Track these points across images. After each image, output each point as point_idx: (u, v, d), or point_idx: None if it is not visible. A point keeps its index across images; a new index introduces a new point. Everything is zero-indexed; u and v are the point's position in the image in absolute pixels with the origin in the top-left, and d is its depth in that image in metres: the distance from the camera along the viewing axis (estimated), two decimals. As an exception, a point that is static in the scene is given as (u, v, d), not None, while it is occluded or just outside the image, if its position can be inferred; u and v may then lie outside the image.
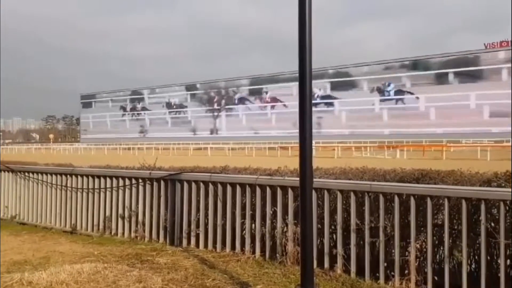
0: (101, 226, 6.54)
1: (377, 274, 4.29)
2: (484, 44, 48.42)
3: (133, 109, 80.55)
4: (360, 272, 4.39)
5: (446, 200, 3.99)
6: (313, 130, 3.32)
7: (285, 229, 4.89)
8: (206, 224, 5.56)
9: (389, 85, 55.57)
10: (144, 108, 79.42)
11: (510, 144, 35.10)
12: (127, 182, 6.32)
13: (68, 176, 7.02)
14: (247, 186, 5.20)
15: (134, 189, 6.26)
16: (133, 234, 6.21)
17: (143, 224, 6.13)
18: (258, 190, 5.11)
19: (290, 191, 4.87)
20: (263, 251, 5.06)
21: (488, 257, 3.87)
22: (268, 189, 5.05)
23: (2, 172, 7.93)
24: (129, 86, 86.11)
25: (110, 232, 6.42)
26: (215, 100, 71.83)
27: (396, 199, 4.23)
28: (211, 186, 5.52)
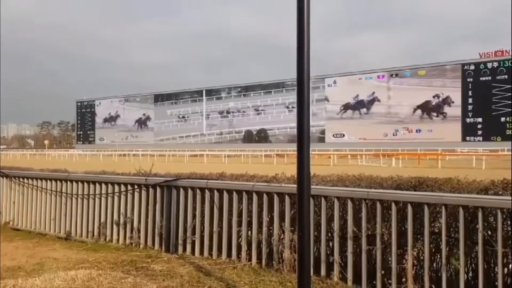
0: (96, 233, 6.48)
1: (374, 282, 4.26)
2: (479, 53, 48.76)
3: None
4: (357, 279, 4.37)
5: (443, 207, 3.98)
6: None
7: (282, 236, 4.86)
8: (202, 231, 5.52)
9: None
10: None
11: (504, 153, 35.30)
12: (123, 188, 6.28)
13: (63, 182, 6.97)
14: (244, 193, 5.18)
15: (129, 195, 6.21)
16: (128, 241, 6.16)
17: (139, 230, 6.08)
18: (255, 197, 5.09)
19: (287, 198, 4.85)
20: (259, 258, 5.02)
21: (486, 266, 3.86)
22: (265, 196, 5.03)
23: (-3, 178, 7.86)
24: (134, 92, 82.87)
25: (105, 239, 6.36)
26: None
27: (393, 206, 4.22)
28: (207, 193, 5.49)
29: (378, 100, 54.38)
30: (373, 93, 54.76)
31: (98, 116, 79.17)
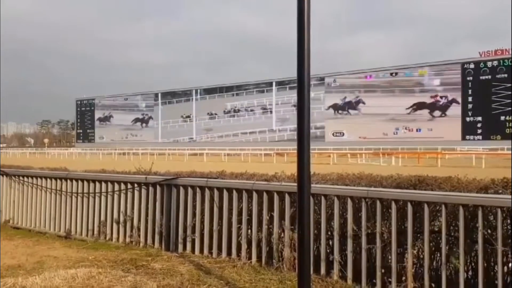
0: (95, 231, 6.48)
1: (374, 281, 4.27)
2: (479, 52, 48.78)
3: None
4: (356, 278, 4.37)
5: (443, 206, 3.98)
6: None
7: (281, 235, 4.86)
8: (202, 230, 5.52)
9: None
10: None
11: (504, 152, 35.32)
12: (123, 186, 6.28)
13: (63, 180, 6.97)
14: (244, 191, 5.18)
15: (129, 194, 6.21)
16: (128, 239, 6.16)
17: (138, 229, 6.08)
18: (255, 195, 5.09)
19: (287, 197, 4.85)
20: (259, 256, 5.03)
21: (485, 264, 3.87)
22: (265, 194, 5.03)
23: (-4, 176, 7.86)
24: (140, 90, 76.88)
25: (105, 237, 6.37)
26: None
27: (393, 205, 4.22)
28: (207, 191, 5.49)
29: (363, 103, 54.42)
30: (357, 96, 54.76)
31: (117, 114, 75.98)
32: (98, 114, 78.93)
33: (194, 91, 68.04)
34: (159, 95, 71.63)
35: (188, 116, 67.80)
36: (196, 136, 66.96)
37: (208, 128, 65.95)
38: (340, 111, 56.24)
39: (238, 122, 63.02)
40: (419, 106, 51.40)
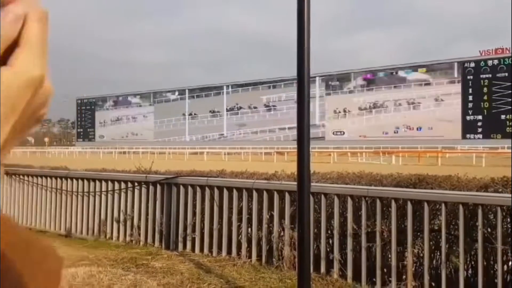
0: (96, 230, 6.49)
1: (374, 279, 4.27)
2: (479, 51, 48.78)
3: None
4: (356, 277, 4.38)
5: (443, 205, 3.99)
6: None
7: (281, 234, 4.87)
8: (202, 228, 5.53)
9: None
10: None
11: (504, 151, 35.31)
12: (123, 185, 6.28)
13: (63, 179, 6.97)
14: (244, 190, 5.19)
15: (129, 193, 6.22)
16: (128, 238, 6.17)
17: (139, 228, 6.09)
18: (255, 194, 5.09)
19: (287, 195, 4.86)
20: (259, 255, 5.03)
21: (485, 263, 3.87)
22: (265, 193, 5.03)
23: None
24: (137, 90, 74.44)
25: (105, 236, 6.37)
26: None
27: (393, 204, 4.22)
28: (207, 190, 5.49)
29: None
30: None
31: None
32: (98, 113, 78.86)
33: (225, 86, 61.86)
34: (186, 90, 66.19)
35: (190, 114, 66.36)
36: (227, 132, 59.92)
37: (241, 123, 58.74)
38: (339, 110, 56.17)
39: (275, 117, 55.61)
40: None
